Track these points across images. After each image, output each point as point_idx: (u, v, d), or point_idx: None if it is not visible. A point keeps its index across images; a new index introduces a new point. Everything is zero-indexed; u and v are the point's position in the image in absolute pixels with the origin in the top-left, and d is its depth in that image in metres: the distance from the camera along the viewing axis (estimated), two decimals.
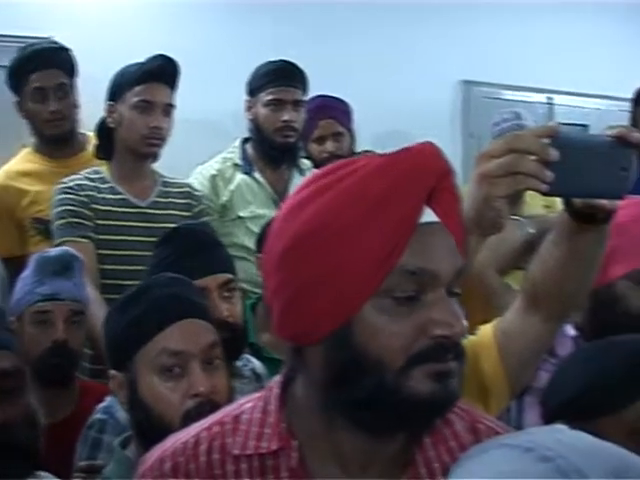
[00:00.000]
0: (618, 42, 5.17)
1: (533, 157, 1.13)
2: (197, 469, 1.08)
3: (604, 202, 1.22)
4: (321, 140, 3.33)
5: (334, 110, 3.36)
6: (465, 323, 1.01)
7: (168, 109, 2.75)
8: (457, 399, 1.01)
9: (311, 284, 0.99)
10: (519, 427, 1.71)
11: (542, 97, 5.05)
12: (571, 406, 1.52)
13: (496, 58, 4.81)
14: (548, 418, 1.57)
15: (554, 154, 1.13)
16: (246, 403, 1.13)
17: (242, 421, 1.10)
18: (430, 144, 1.01)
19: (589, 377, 1.51)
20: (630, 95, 4.13)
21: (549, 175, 1.13)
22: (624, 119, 4.33)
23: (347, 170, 1.01)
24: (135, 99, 2.70)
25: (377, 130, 4.18)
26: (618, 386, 1.48)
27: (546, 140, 1.14)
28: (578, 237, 1.32)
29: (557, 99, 5.10)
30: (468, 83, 4.89)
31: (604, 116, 5.07)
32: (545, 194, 1.16)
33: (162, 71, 2.70)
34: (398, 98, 4.45)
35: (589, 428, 1.44)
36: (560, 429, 0.84)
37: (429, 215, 0.99)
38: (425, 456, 1.07)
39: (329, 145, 3.31)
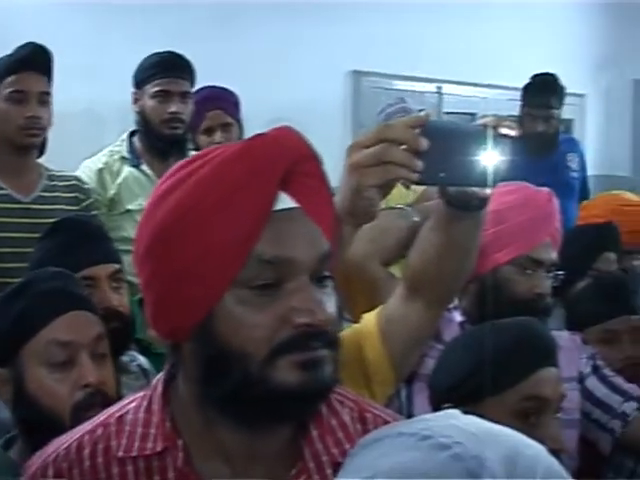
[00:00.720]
0: (506, 32, 5.28)
1: (403, 146, 1.14)
2: (81, 474, 1.05)
3: (476, 190, 1.24)
4: (209, 131, 3.29)
5: (222, 101, 3.32)
6: (330, 310, 0.98)
7: (44, 98, 2.68)
8: (330, 387, 1.00)
9: (176, 275, 0.97)
10: (409, 415, 1.73)
11: (432, 87, 5.12)
12: (457, 389, 1.55)
13: (386, 48, 4.85)
14: (436, 402, 1.59)
15: (424, 143, 1.14)
16: (130, 403, 1.10)
17: (126, 422, 1.07)
18: (287, 128, 1.00)
19: (473, 360, 1.54)
20: (518, 84, 4.24)
21: (419, 164, 1.14)
22: (512, 108, 4.45)
23: (206, 158, 0.99)
24: (8, 90, 2.63)
25: (267, 121, 4.15)
26: (501, 369, 1.51)
27: (416, 130, 1.15)
28: (454, 224, 1.35)
29: (446, 88, 5.18)
30: (357, 73, 4.92)
31: (492, 105, 5.19)
32: (416, 183, 1.17)
33: (33, 59, 2.63)
34: (288, 89, 4.45)
35: (476, 410, 1.48)
36: (454, 414, 0.83)
37: (286, 201, 0.97)
38: (313, 449, 1.05)
39: (217, 136, 3.27)
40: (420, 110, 4.29)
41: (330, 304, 0.99)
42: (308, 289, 0.96)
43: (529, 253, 1.90)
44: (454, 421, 0.80)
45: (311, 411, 1.03)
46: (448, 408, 1.49)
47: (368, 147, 1.16)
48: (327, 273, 1.00)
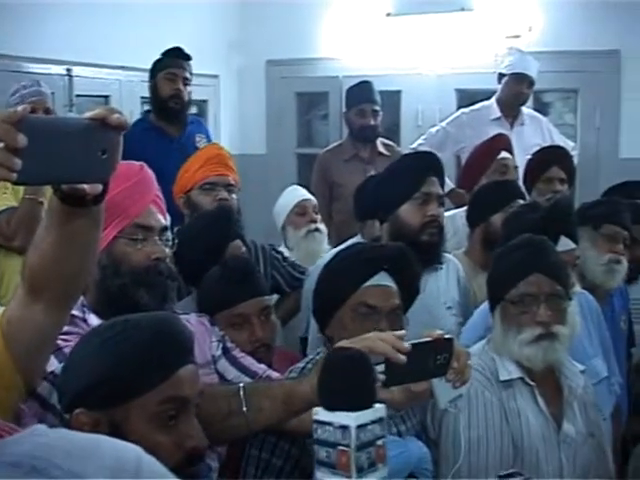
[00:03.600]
0: (137, 13, 5.19)
1: (0, 144, 1.07)
2: None
3: (86, 186, 1.19)
4: None
5: None
6: None
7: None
8: None
9: None
10: None
11: (61, 69, 4.92)
12: (91, 393, 1.47)
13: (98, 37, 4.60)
14: (66, 408, 1.52)
15: (22, 140, 1.07)
16: None
17: None
18: None
19: (108, 361, 1.47)
20: (148, 65, 4.22)
21: (18, 163, 1.07)
22: (144, 89, 4.42)
23: None
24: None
25: None
26: (138, 370, 1.46)
27: (12, 125, 1.08)
28: (71, 220, 1.29)
29: (77, 70, 5.00)
30: None
31: (125, 87, 5.12)
32: (16, 183, 1.10)
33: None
34: None
35: (117, 415, 1.43)
36: (42, 431, 0.77)
37: None
38: None
39: None
40: (52, 93, 4.13)
41: None
42: None
43: (136, 221, 1.89)
44: (43, 439, 0.74)
45: None
46: (80, 414, 1.44)
47: None
48: None
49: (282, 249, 3.63)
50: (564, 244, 2.62)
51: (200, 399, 1.54)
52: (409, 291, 2.28)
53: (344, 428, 1.27)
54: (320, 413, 1.33)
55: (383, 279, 2.20)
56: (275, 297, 3.31)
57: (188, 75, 4.27)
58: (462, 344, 2.54)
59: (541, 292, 2.31)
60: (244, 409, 1.63)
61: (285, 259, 3.45)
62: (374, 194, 2.89)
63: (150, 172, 1.98)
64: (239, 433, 1.71)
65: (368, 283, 2.18)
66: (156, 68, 4.27)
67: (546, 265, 2.35)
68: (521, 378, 2.33)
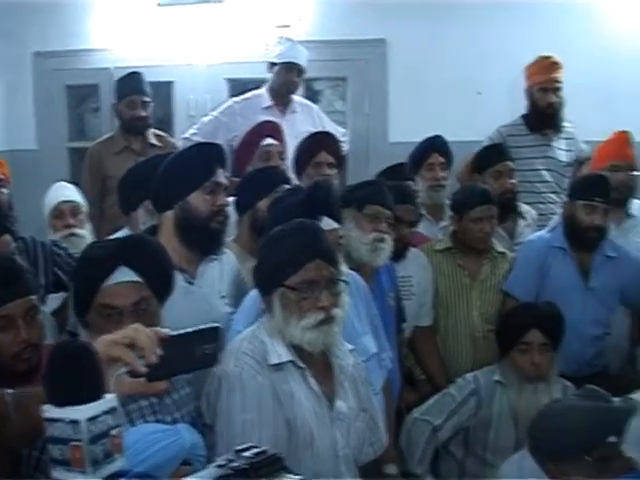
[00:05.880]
0: None
1: None
2: None
3: None
4: None
5: None
6: None
7: None
8: None
9: None
10: None
11: None
12: None
13: None
14: None
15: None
16: None
17: None
18: None
19: None
20: None
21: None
22: None
23: None
24: None
25: None
26: None
27: None
28: None
29: None
30: None
31: None
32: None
33: None
34: None
35: None
36: None
37: None
38: None
39: None
40: None
41: None
42: None
43: None
44: None
45: None
46: None
47: None
48: None
49: None
50: (326, 224, 2.66)
51: None
52: (160, 279, 2.25)
53: (74, 423, 1.23)
54: (49, 410, 1.28)
55: (123, 275, 2.16)
56: (62, 294, 3.27)
57: None
58: (234, 329, 2.56)
59: (322, 278, 2.34)
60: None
61: (70, 255, 3.35)
62: (160, 182, 2.83)
63: None
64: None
65: (108, 282, 2.13)
66: None
67: (324, 251, 2.39)
68: (292, 361, 2.35)
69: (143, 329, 1.53)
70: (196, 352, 1.57)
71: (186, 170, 2.78)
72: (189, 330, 1.57)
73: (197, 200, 2.76)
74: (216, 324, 1.63)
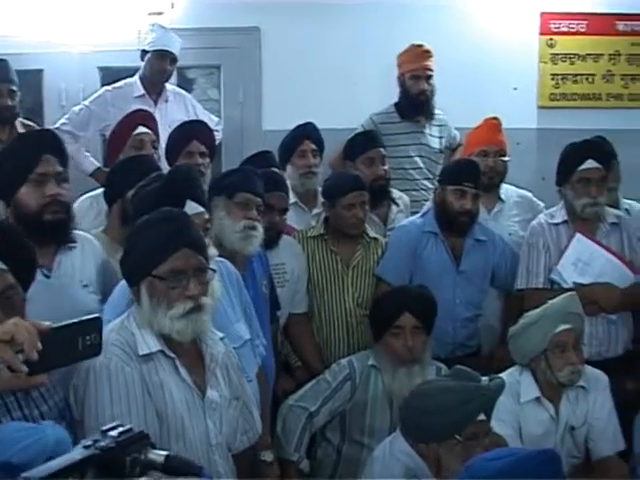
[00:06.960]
0: None
1: None
2: None
3: None
4: None
5: None
6: None
7: None
8: None
9: None
10: None
11: None
12: None
13: None
14: None
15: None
16: None
17: None
18: None
19: None
20: None
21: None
22: None
23: None
24: None
25: None
26: None
27: None
28: None
29: None
30: None
31: None
32: None
33: None
34: None
35: None
36: None
37: None
38: None
39: None
40: None
41: None
42: None
43: None
44: None
45: None
46: None
47: None
48: None
49: None
50: (191, 208, 2.63)
51: None
52: (23, 265, 2.19)
53: None
54: None
55: None
56: None
57: None
58: (104, 320, 2.51)
59: (189, 267, 2.33)
60: None
61: None
62: None
63: None
64: None
65: None
66: None
67: (192, 239, 2.37)
68: (161, 351, 2.33)
69: (22, 323, 1.50)
70: (78, 343, 1.55)
71: (9, 167, 2.72)
72: (69, 322, 1.56)
73: (25, 195, 2.69)
74: (96, 315, 1.61)
